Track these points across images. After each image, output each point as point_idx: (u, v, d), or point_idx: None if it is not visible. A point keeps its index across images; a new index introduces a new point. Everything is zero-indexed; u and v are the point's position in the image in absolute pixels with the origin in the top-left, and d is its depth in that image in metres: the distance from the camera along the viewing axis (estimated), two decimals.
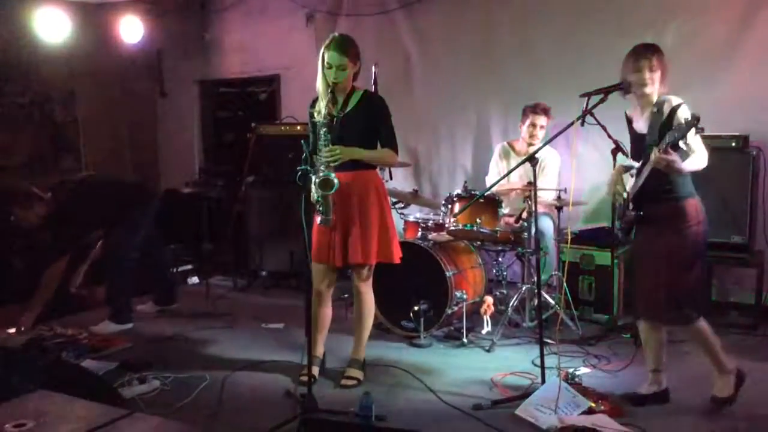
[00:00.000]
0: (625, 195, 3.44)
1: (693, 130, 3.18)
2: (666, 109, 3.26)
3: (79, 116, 7.17)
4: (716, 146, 4.57)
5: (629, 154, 3.55)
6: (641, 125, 3.39)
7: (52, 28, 6.06)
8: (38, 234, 4.78)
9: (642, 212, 3.36)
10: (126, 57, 6.99)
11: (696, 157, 3.22)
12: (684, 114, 3.22)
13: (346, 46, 3.61)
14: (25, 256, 5.55)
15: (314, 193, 3.61)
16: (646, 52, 3.31)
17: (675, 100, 3.28)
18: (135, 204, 4.96)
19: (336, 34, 3.70)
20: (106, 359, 4.17)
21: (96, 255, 5.21)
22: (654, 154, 3.14)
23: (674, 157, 3.11)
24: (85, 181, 5.03)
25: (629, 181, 3.45)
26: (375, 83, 5.14)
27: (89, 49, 6.70)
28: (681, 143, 3.07)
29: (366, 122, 3.69)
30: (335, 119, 3.66)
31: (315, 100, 3.77)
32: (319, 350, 3.99)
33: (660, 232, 3.33)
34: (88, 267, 5.28)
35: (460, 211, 4.69)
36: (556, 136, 3.66)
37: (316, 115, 3.71)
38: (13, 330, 4.60)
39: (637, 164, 3.40)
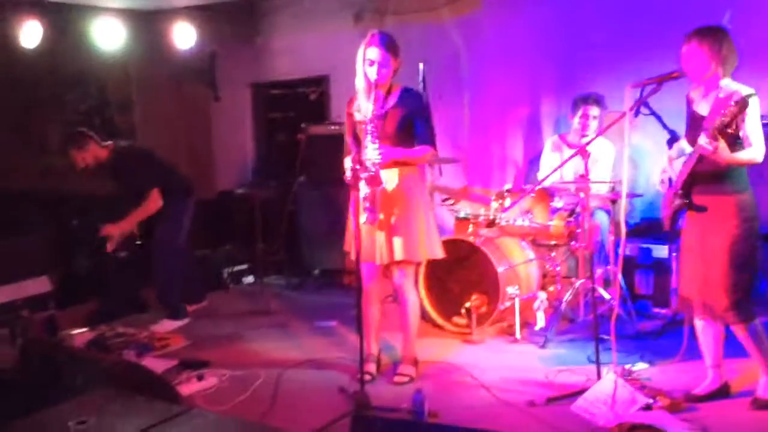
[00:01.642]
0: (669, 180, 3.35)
1: (752, 117, 3.08)
2: (735, 98, 3.14)
3: (136, 121, 7.38)
4: None
5: (685, 139, 3.44)
6: (703, 107, 3.27)
7: (108, 36, 6.25)
8: (100, 184, 4.95)
9: (690, 201, 3.26)
10: (180, 63, 7.14)
11: (751, 150, 3.10)
12: (753, 106, 3.10)
13: (387, 43, 3.60)
14: (89, 258, 5.73)
15: (361, 191, 3.62)
16: (687, 37, 3.21)
17: (746, 90, 3.13)
18: (179, 194, 5.04)
19: (375, 31, 3.69)
20: (166, 357, 4.28)
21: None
22: (702, 139, 3.04)
23: (719, 143, 3.00)
24: (144, 150, 5.25)
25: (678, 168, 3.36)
26: (423, 81, 5.14)
27: (144, 56, 6.88)
28: (731, 130, 2.97)
29: (405, 119, 3.67)
30: (376, 116, 3.65)
31: (351, 100, 3.78)
32: (373, 348, 4.00)
33: (712, 226, 3.22)
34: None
35: (511, 206, 4.64)
36: (608, 127, 3.60)
37: (356, 113, 3.73)
38: (76, 331, 4.76)
39: (689, 149, 3.30)
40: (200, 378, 3.88)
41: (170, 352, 4.43)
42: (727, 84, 3.19)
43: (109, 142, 4.95)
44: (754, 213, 3.20)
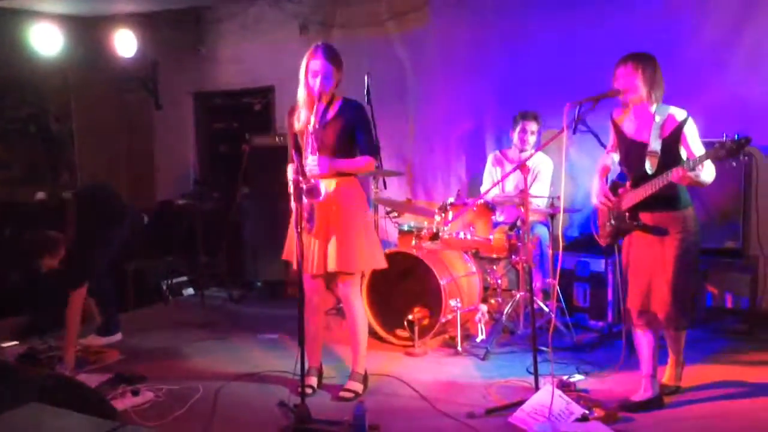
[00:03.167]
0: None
1: (695, 138, 3.24)
2: (670, 121, 3.28)
3: (74, 129, 7.20)
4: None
5: (620, 163, 3.57)
6: (636, 132, 3.40)
7: (46, 42, 6.09)
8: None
9: (639, 222, 3.39)
10: (121, 70, 7.00)
11: (708, 170, 3.22)
12: (691, 130, 3.27)
13: (331, 55, 3.61)
14: (22, 269, 5.54)
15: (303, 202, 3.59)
16: (622, 60, 3.36)
17: (680, 114, 3.30)
18: (115, 221, 4.74)
19: (320, 42, 3.70)
20: (100, 372, 4.17)
21: None
22: (678, 173, 3.15)
23: (700, 174, 3.14)
24: (78, 204, 4.62)
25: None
26: (368, 93, 5.17)
27: (84, 62, 6.73)
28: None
29: (346, 130, 3.68)
30: (317, 128, 3.65)
31: (292, 110, 3.77)
32: (314, 360, 3.98)
33: (659, 241, 3.36)
34: None
35: (454, 219, 4.70)
36: (546, 143, 3.69)
37: (296, 124, 3.72)
38: (7, 344, 4.59)
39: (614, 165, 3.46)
40: (136, 393, 3.79)
41: (105, 366, 4.32)
42: (660, 109, 3.33)
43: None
44: (697, 227, 3.39)
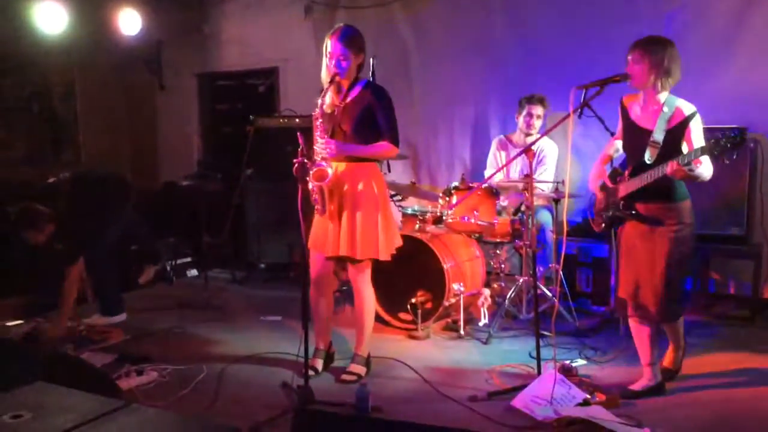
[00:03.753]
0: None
1: (699, 135, 3.21)
2: (677, 114, 3.25)
3: (78, 109, 7.18)
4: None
5: (624, 148, 3.55)
6: (642, 118, 3.38)
7: (50, 20, 6.05)
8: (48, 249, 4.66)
9: (635, 212, 3.38)
10: (125, 49, 6.97)
11: (707, 166, 3.21)
12: (697, 126, 3.24)
13: (349, 37, 3.57)
14: (25, 248, 5.56)
15: (309, 185, 3.59)
16: (632, 46, 3.32)
17: (688, 108, 3.26)
18: (116, 203, 4.86)
19: (342, 24, 3.67)
20: (105, 351, 4.20)
21: None
22: (672, 166, 3.13)
23: (695, 168, 3.13)
24: (75, 184, 4.77)
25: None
26: (373, 75, 5.15)
27: (88, 41, 6.70)
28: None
29: (366, 113, 3.62)
30: (335, 110, 3.64)
31: (321, 91, 3.71)
32: (322, 342, 3.98)
33: (654, 231, 3.35)
34: None
35: (458, 203, 4.70)
36: (552, 128, 3.67)
37: (318, 106, 3.69)
38: (12, 323, 4.61)
39: (617, 153, 3.45)
40: (140, 372, 3.81)
41: (109, 346, 4.34)
42: (669, 100, 3.29)
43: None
44: (692, 220, 3.36)
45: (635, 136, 3.40)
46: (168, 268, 6.17)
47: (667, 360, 3.71)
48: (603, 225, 3.61)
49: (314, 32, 6.47)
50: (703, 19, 5.01)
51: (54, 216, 4.41)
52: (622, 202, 3.42)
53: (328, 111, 3.63)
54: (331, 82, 3.58)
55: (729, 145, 2.97)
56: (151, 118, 7.81)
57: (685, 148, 3.27)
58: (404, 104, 6.02)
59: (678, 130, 3.26)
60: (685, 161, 3.11)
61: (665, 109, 3.26)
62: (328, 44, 3.58)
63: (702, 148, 3.09)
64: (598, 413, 3.18)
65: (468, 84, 6.02)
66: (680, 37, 4.82)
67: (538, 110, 5.08)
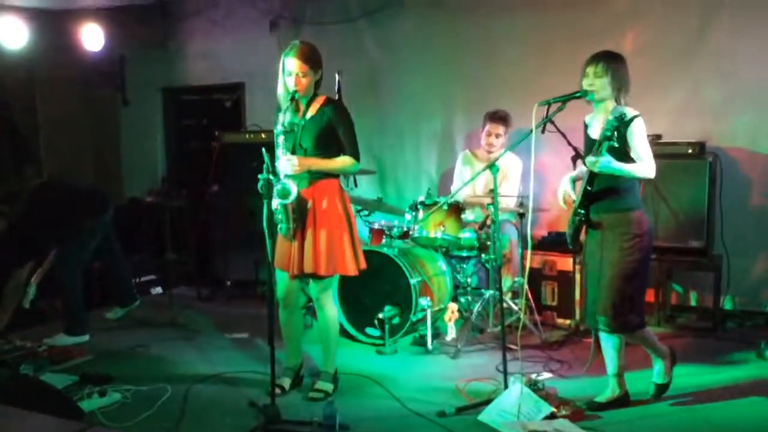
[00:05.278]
0: (573, 199, 3.51)
1: (640, 136, 3.26)
2: (620, 119, 3.30)
3: (40, 123, 7.06)
4: (674, 153, 4.71)
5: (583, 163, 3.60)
6: (596, 130, 3.44)
7: (11, 35, 5.95)
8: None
9: (585, 217, 3.41)
10: (87, 64, 6.89)
11: (643, 164, 3.29)
12: (638, 128, 3.30)
13: (306, 54, 3.58)
14: None
15: (273, 203, 3.56)
16: (593, 59, 3.38)
17: (631, 112, 3.33)
18: (89, 213, 4.84)
19: (297, 41, 3.67)
20: (66, 372, 4.11)
21: (47, 266, 5.05)
22: (588, 159, 3.23)
23: (603, 157, 3.20)
24: (40, 191, 4.85)
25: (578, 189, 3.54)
26: (339, 91, 5.16)
27: (50, 56, 6.59)
28: (617, 144, 3.18)
29: (326, 130, 3.63)
30: (294, 127, 3.63)
31: (280, 108, 3.72)
32: (291, 360, 3.95)
33: (606, 240, 3.39)
34: (42, 279, 5.13)
35: (424, 219, 4.71)
36: (515, 144, 3.72)
37: (278, 123, 3.69)
38: None
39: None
40: (103, 393, 3.73)
41: (71, 367, 4.25)
42: (616, 109, 3.35)
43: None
44: (644, 230, 3.39)
45: (590, 149, 3.44)
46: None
47: (655, 375, 3.65)
48: (570, 237, 3.62)
49: (279, 48, 6.37)
50: (663, 36, 5.12)
51: (9, 214, 4.38)
52: (579, 208, 3.45)
53: (288, 129, 3.62)
54: (291, 99, 3.57)
55: (616, 125, 3.16)
56: (115, 133, 7.70)
57: (634, 153, 3.32)
58: (370, 119, 6.07)
59: (619, 135, 3.27)
60: (595, 149, 3.21)
61: (610, 116, 3.30)
62: (285, 62, 3.58)
63: (602, 134, 3.21)
64: (565, 426, 3.20)
65: (434, 98, 6.06)
66: (641, 54, 4.97)
67: (498, 129, 5.11)
